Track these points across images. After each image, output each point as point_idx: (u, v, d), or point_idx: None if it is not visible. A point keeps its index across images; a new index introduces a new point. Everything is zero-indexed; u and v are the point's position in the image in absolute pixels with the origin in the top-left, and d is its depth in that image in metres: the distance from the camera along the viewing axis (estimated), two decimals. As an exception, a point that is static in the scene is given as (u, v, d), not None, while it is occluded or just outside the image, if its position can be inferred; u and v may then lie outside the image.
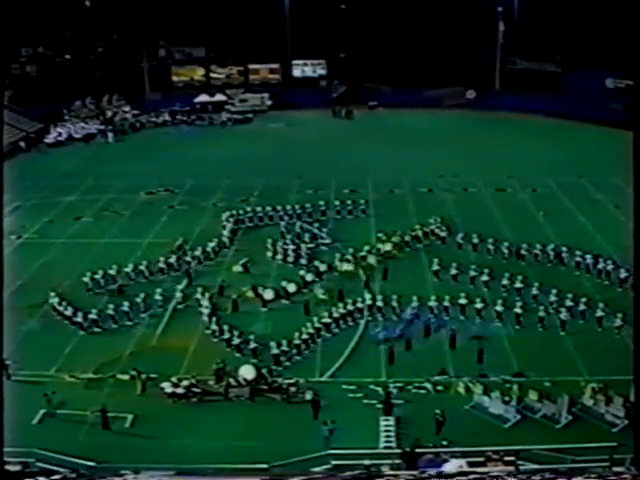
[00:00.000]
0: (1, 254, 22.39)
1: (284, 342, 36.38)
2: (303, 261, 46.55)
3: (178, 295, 42.40)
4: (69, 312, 39.98)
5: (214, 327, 38.72)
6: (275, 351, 36.06)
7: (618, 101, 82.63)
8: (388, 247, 47.50)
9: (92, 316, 39.61)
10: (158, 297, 41.64)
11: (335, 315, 39.30)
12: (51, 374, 35.42)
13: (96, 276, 43.64)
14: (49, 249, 49.76)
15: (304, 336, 37.37)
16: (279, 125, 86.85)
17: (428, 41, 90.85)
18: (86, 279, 43.38)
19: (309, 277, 43.92)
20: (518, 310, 39.40)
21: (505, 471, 26.26)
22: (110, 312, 40.01)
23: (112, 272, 44.20)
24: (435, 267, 44.78)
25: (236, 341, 37.17)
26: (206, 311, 40.21)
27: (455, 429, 30.47)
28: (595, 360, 35.86)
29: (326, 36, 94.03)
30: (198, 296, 41.74)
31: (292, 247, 47.86)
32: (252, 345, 36.70)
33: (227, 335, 37.66)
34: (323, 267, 45.07)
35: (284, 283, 42.73)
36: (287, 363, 36.21)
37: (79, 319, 39.39)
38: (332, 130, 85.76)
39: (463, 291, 41.27)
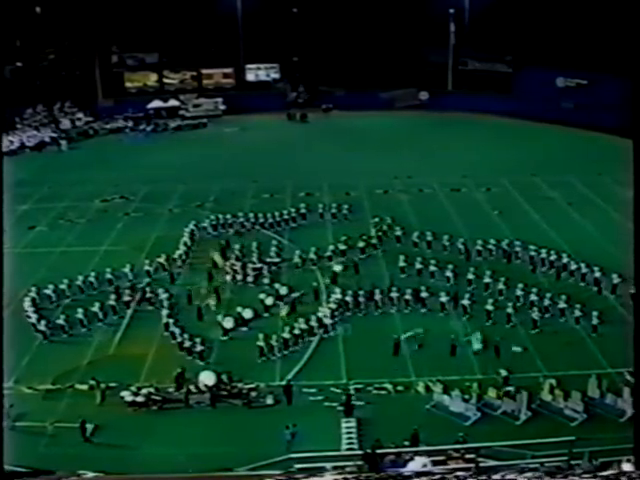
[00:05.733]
0: (1, 253, 21.69)
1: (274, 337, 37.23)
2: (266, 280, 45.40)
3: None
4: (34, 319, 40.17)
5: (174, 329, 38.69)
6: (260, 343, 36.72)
7: (569, 100, 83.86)
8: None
9: (60, 322, 39.85)
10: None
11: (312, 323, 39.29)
12: (9, 386, 34.84)
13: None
14: (3, 259, 48.85)
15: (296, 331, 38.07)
16: (234, 130, 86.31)
17: (380, 43, 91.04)
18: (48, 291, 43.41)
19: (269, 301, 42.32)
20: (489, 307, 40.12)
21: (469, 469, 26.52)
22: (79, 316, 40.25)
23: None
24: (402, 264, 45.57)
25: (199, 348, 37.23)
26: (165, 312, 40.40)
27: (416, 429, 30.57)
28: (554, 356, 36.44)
29: (279, 40, 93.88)
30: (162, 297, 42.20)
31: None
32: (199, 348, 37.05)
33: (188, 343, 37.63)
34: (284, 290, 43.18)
35: (239, 309, 41.01)
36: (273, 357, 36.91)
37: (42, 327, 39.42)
38: (287, 134, 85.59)
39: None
